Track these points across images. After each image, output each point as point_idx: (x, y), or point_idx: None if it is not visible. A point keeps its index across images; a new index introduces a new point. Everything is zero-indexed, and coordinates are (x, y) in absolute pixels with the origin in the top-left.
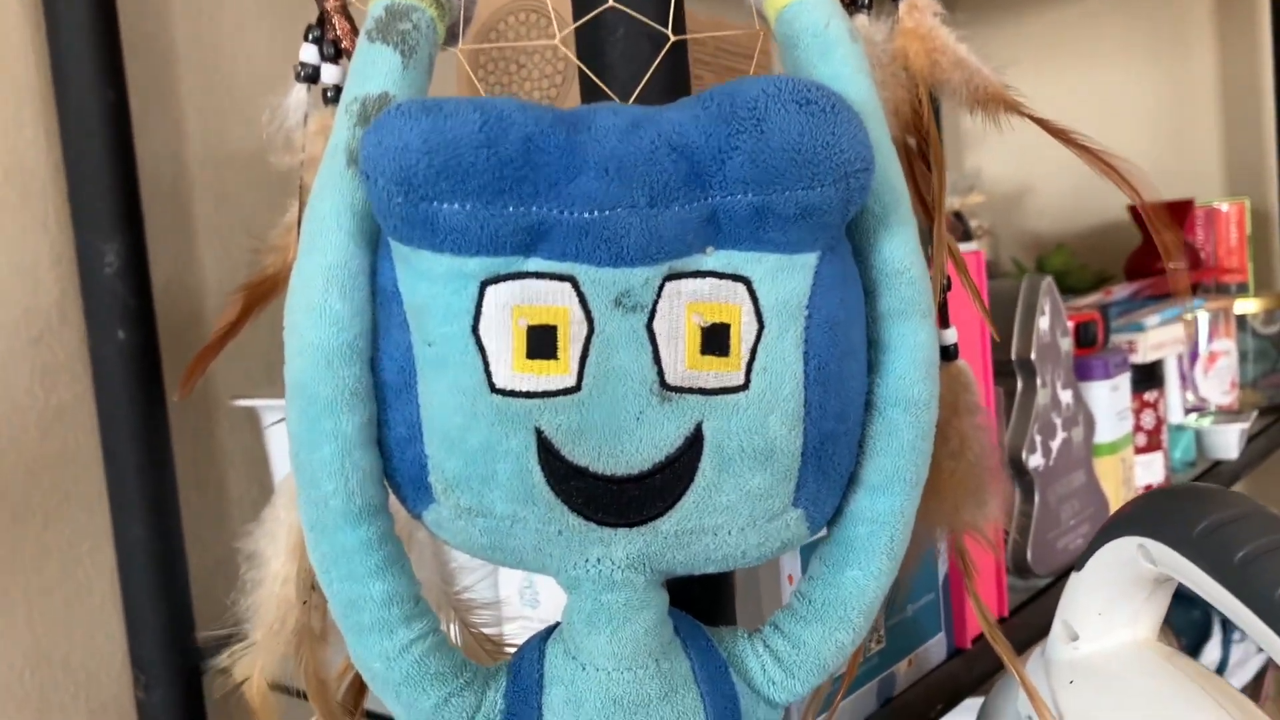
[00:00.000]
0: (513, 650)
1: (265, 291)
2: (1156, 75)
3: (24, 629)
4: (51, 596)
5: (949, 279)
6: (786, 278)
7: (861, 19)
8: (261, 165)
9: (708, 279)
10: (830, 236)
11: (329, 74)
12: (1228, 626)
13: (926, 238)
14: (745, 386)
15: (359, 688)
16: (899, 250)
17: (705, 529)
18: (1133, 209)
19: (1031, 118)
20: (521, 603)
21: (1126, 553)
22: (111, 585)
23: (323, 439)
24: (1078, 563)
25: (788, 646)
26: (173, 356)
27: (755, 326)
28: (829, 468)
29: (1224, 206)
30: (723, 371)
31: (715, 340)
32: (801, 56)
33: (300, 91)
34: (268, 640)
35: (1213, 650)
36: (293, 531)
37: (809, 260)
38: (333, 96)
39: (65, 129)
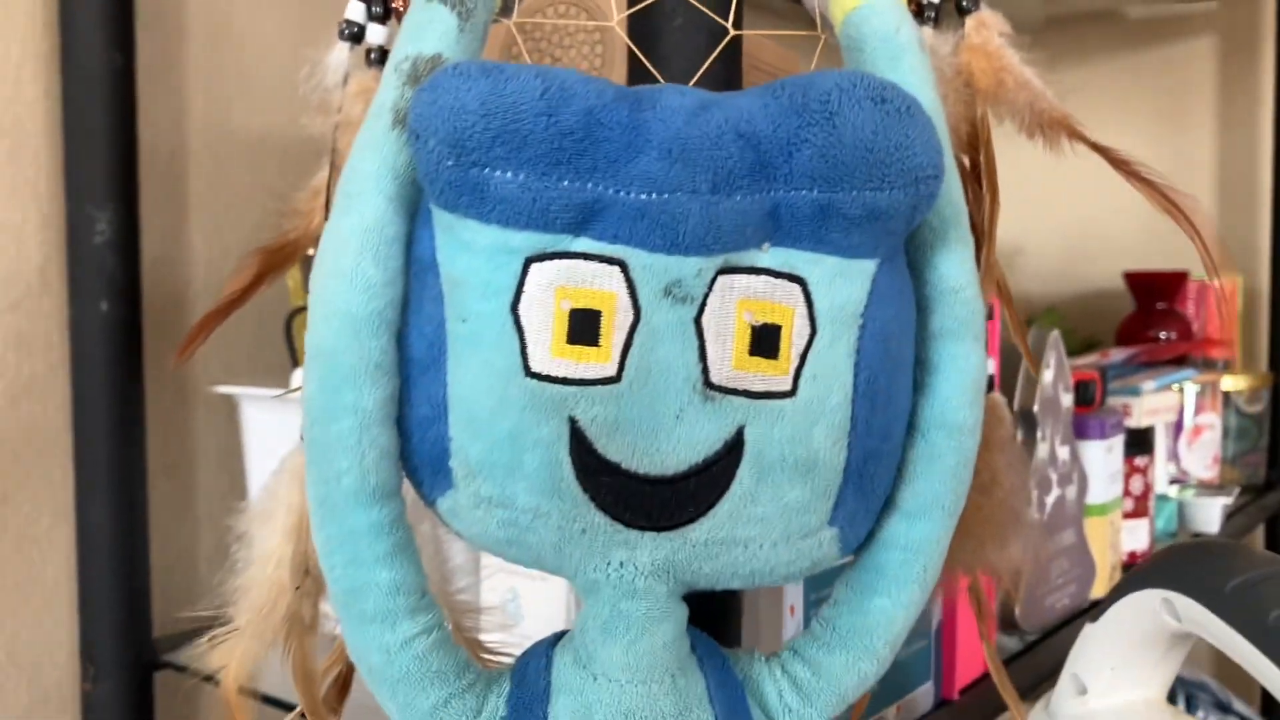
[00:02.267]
0: (501, 661)
1: (284, 257)
2: (1156, 148)
3: None
4: (3, 574)
5: (990, 308)
6: (844, 283)
7: (928, 31)
8: (261, 147)
9: (763, 276)
10: (891, 244)
11: (374, 34)
12: (1191, 703)
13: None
14: (792, 393)
15: (343, 685)
16: (956, 268)
17: (737, 540)
18: (1128, 276)
19: (1095, 147)
20: (504, 617)
21: (1148, 606)
22: (66, 568)
23: (342, 412)
24: (1093, 614)
25: (808, 673)
26: (154, 334)
27: (808, 331)
28: (869, 487)
29: (1216, 283)
30: (770, 375)
31: (765, 341)
32: (868, 62)
33: (342, 50)
34: (255, 624)
35: None
36: (291, 512)
37: (868, 267)
38: (376, 59)
39: (67, 90)
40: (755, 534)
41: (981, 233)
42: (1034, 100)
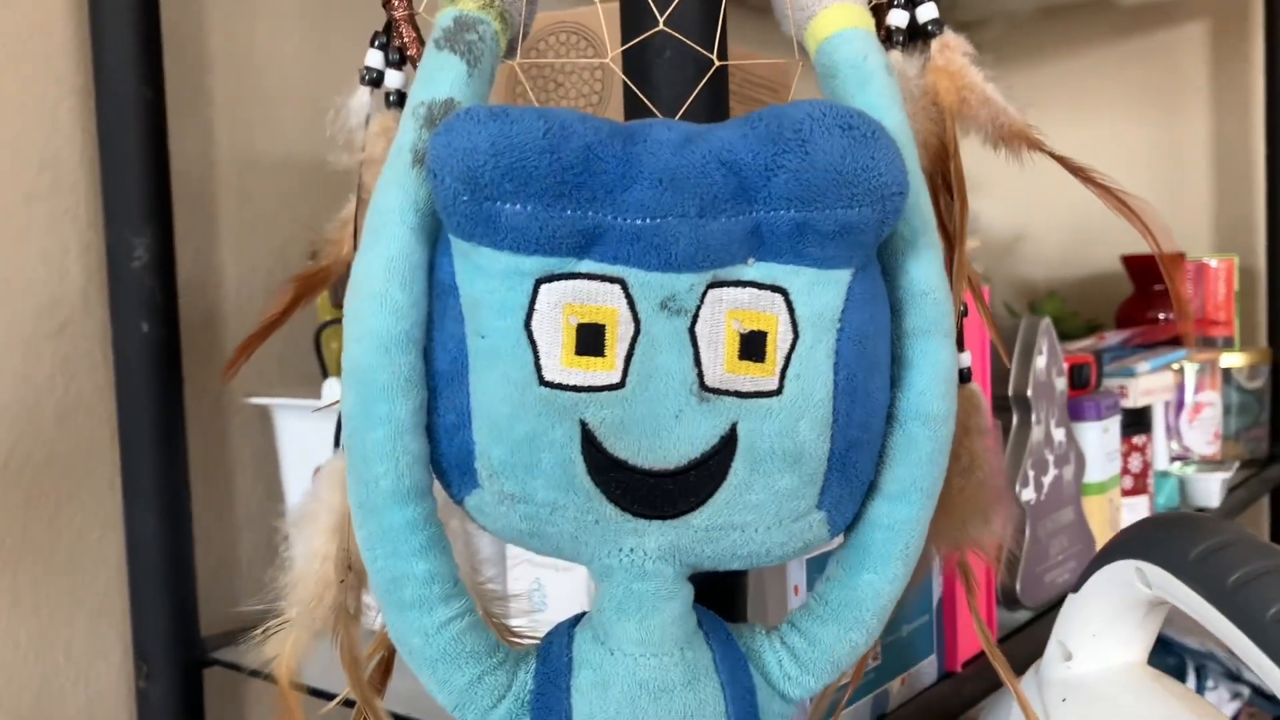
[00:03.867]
0: (528, 643)
1: (317, 282)
2: (1150, 132)
3: (30, 612)
4: (59, 581)
5: (965, 305)
6: (822, 291)
7: (896, 54)
8: (285, 169)
9: (748, 288)
10: (864, 255)
11: (392, 79)
12: (1201, 674)
13: (946, 265)
14: (779, 392)
15: (386, 668)
16: (925, 272)
17: (734, 525)
18: (1126, 259)
19: (1052, 155)
20: (530, 605)
21: (1123, 575)
22: (117, 574)
23: (377, 422)
24: (1075, 584)
25: (804, 643)
26: (191, 351)
27: (790, 336)
28: (852, 474)
29: (1213, 262)
30: (758, 376)
31: (753, 346)
32: (840, 86)
33: (364, 94)
34: (305, 615)
35: None
36: (333, 513)
37: (843, 276)
38: (395, 100)
39: (102, 123)
40: (751, 519)
41: (953, 237)
42: (995, 115)
